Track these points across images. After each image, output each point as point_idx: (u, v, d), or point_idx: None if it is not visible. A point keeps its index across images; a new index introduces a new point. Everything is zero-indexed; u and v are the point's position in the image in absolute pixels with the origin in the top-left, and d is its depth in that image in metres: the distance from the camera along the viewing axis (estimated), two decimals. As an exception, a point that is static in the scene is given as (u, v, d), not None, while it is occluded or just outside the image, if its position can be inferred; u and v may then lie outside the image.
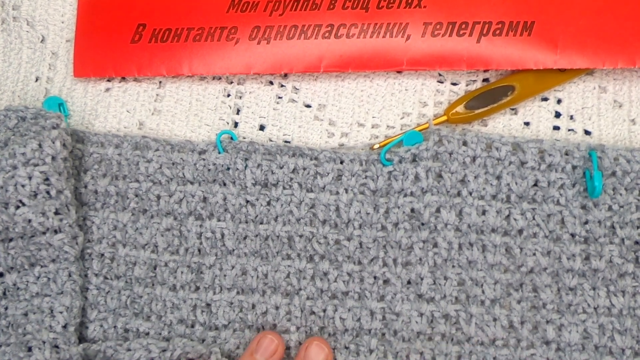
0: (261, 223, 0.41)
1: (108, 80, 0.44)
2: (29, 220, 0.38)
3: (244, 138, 0.43)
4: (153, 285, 0.41)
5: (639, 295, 0.39)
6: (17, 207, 0.38)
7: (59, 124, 0.40)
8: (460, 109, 0.41)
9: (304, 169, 0.41)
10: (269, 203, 0.41)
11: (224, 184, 0.41)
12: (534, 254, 0.39)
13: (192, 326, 0.41)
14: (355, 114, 0.43)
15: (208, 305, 0.41)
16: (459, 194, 0.40)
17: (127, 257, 0.41)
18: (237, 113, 0.43)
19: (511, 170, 0.40)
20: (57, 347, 0.38)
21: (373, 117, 0.43)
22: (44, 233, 0.39)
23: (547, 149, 0.39)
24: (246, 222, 0.41)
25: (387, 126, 0.43)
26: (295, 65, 0.42)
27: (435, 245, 0.40)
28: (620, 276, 0.39)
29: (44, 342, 0.38)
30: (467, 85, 0.43)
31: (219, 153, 0.41)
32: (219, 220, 0.41)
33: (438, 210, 0.40)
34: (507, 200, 0.40)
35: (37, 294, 0.40)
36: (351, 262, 0.40)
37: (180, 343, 0.39)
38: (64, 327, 0.39)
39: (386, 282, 0.40)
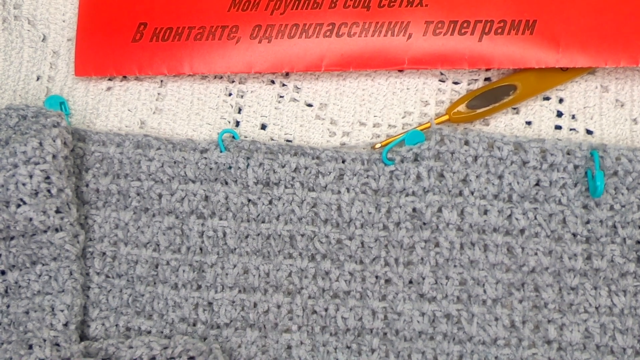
0: (263, 222, 0.41)
1: (109, 79, 0.44)
2: (30, 219, 0.38)
3: (246, 137, 0.43)
4: (155, 283, 0.41)
5: (641, 294, 0.39)
6: (18, 206, 0.38)
7: (60, 123, 0.40)
8: (462, 108, 0.41)
9: (306, 168, 0.41)
10: (270, 202, 0.41)
11: (226, 183, 0.41)
12: (536, 254, 0.39)
13: (194, 325, 0.41)
14: (356, 113, 0.43)
15: (210, 303, 0.41)
16: (460, 193, 0.40)
17: (128, 256, 0.41)
18: (239, 112, 0.43)
19: (513, 169, 0.40)
20: (57, 345, 0.38)
21: (375, 116, 0.43)
22: (45, 231, 0.39)
23: (549, 148, 0.39)
24: (248, 220, 0.41)
25: (389, 125, 0.43)
26: (296, 64, 0.42)
27: (437, 244, 0.40)
28: (621, 276, 0.39)
29: (44, 340, 0.38)
30: (468, 84, 0.42)
31: (221, 152, 0.41)
32: (220, 219, 0.41)
33: (440, 210, 0.40)
34: (508, 200, 0.40)
35: (39, 292, 0.40)
36: (353, 262, 0.40)
37: (182, 340, 0.39)
38: (65, 325, 0.39)
39: (388, 281, 0.40)
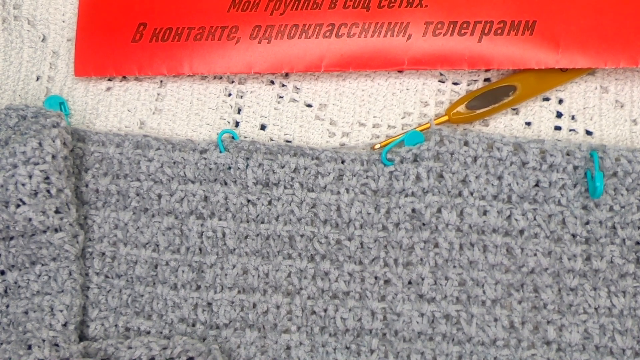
0: (262, 222, 0.41)
1: (109, 80, 0.44)
2: (30, 219, 0.38)
3: (245, 137, 0.43)
4: (154, 284, 0.41)
5: (640, 295, 0.39)
6: (18, 206, 0.38)
7: (59, 123, 0.40)
8: (461, 108, 0.41)
9: (305, 168, 0.41)
10: (270, 202, 0.41)
11: (225, 183, 0.41)
12: (535, 255, 0.39)
13: (193, 325, 0.41)
14: (356, 113, 0.43)
15: (209, 304, 0.41)
16: (460, 194, 0.40)
17: (128, 256, 0.41)
18: (238, 112, 0.43)
19: (512, 170, 0.40)
20: (57, 345, 0.38)
21: (374, 117, 0.43)
22: (44, 232, 0.39)
23: (549, 149, 0.39)
24: (247, 221, 0.41)
25: (388, 126, 0.43)
26: (296, 65, 0.42)
27: (436, 245, 0.40)
28: (621, 276, 0.39)
29: (43, 340, 0.38)
30: (468, 85, 0.42)
31: (220, 152, 0.41)
32: (220, 219, 0.41)
33: (439, 211, 0.40)
34: (508, 201, 0.40)
35: (38, 292, 0.40)
36: (352, 262, 0.40)
37: (181, 341, 0.39)
38: (64, 325, 0.39)
39: (387, 282, 0.40)
